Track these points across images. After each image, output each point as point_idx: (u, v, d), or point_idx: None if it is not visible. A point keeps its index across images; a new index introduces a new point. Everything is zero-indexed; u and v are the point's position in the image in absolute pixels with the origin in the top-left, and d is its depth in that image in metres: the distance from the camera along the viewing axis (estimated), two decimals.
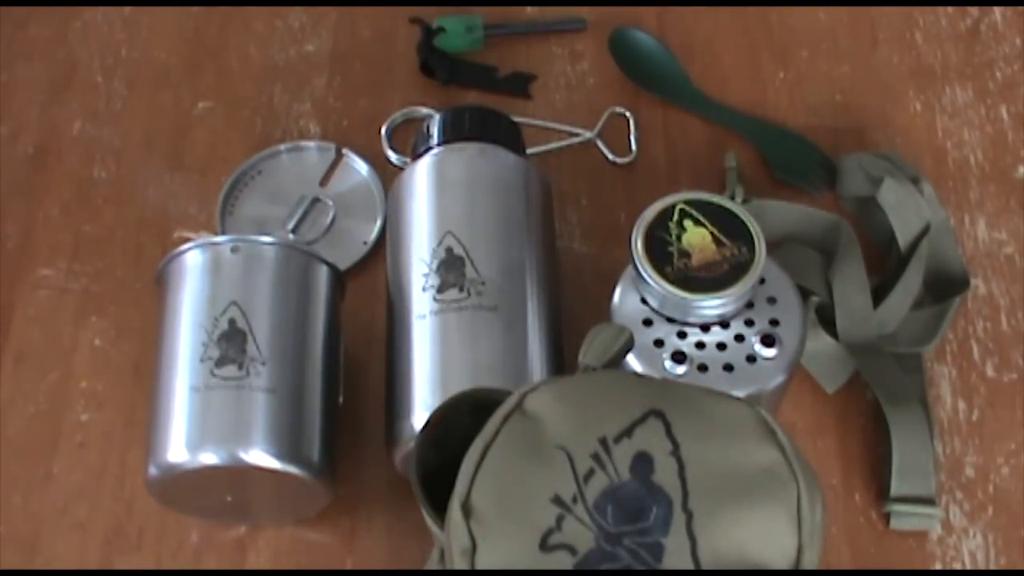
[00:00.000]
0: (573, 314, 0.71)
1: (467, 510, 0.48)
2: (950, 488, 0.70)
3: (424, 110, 0.84)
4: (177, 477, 0.62)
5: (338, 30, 0.89)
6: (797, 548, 0.47)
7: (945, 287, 0.75)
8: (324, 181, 0.82)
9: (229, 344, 0.63)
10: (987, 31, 0.88)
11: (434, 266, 0.66)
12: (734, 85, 0.85)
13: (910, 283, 0.72)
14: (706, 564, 0.46)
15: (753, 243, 0.64)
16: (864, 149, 0.80)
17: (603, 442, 0.48)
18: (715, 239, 0.64)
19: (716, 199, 0.66)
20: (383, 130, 0.83)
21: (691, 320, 0.64)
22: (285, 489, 0.64)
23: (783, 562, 0.46)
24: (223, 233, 0.79)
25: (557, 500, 0.47)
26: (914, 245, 0.73)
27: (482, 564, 0.47)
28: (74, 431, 0.72)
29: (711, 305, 0.63)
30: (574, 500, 0.47)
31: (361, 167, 0.82)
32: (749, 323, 0.64)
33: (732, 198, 0.77)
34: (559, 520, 0.47)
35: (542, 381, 0.51)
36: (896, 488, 0.68)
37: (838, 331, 0.71)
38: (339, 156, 0.82)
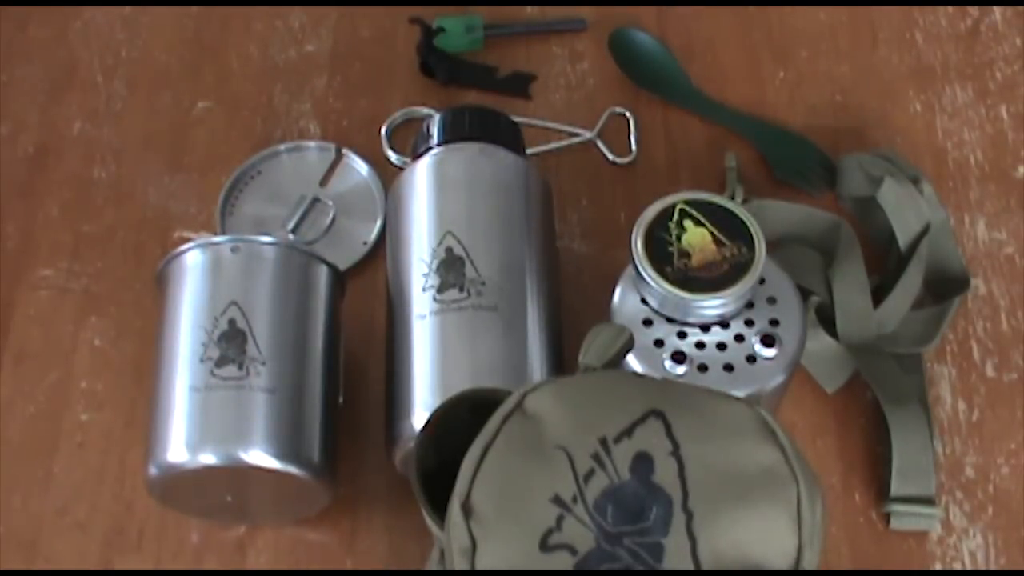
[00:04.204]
0: (573, 314, 0.71)
1: (467, 510, 0.48)
2: (950, 488, 0.70)
3: (424, 110, 0.84)
4: (177, 477, 0.62)
5: (338, 30, 0.89)
6: (797, 548, 0.47)
7: (945, 287, 0.75)
8: (324, 181, 0.82)
9: (229, 344, 0.63)
10: (987, 31, 0.88)
11: (434, 266, 0.66)
12: (734, 85, 0.85)
13: (910, 283, 0.72)
14: (706, 564, 0.46)
15: (753, 243, 0.64)
16: (864, 149, 0.80)
17: (603, 442, 0.48)
18: (715, 239, 0.64)
19: (716, 199, 0.66)
20: (383, 130, 0.83)
21: (691, 320, 0.64)
22: (285, 489, 0.64)
23: (783, 562, 0.46)
24: (223, 233, 0.79)
25: (557, 500, 0.47)
26: (914, 245, 0.73)
27: (482, 564, 0.47)
28: (74, 431, 0.72)
29: (711, 305, 0.63)
30: (574, 500, 0.47)
31: (361, 167, 0.82)
32: (749, 323, 0.64)
33: (732, 198, 0.77)
34: (559, 520, 0.47)
35: (542, 381, 0.51)
36: (896, 488, 0.68)
37: (838, 331, 0.71)
38: (339, 156, 0.82)
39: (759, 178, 0.81)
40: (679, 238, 0.64)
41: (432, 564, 0.55)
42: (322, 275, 0.69)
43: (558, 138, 0.83)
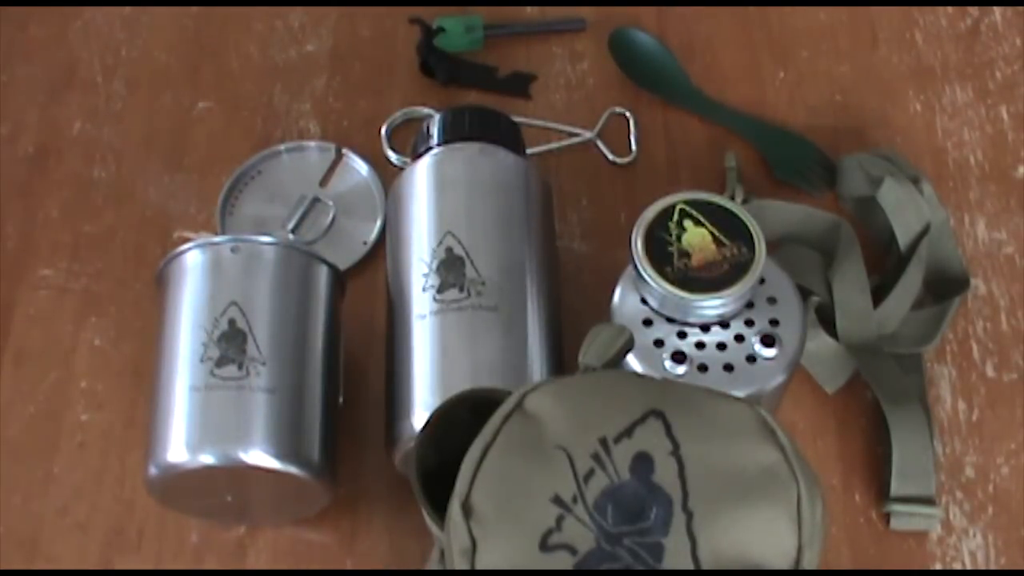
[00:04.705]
0: (573, 314, 0.71)
1: (467, 510, 0.48)
2: (950, 488, 0.70)
3: (424, 110, 0.84)
4: (177, 477, 0.62)
5: (338, 30, 0.89)
6: (797, 548, 0.47)
7: (945, 287, 0.75)
8: (324, 181, 0.82)
9: (229, 344, 0.63)
10: (987, 31, 0.88)
11: (434, 266, 0.66)
12: (734, 85, 0.85)
13: (910, 283, 0.72)
14: (706, 564, 0.46)
15: (753, 243, 0.64)
16: (864, 149, 0.80)
17: (603, 442, 0.48)
18: (715, 239, 0.64)
19: (716, 199, 0.65)
20: (383, 130, 0.83)
21: (691, 320, 0.64)
22: (285, 489, 0.64)
23: (783, 562, 0.46)
24: (223, 233, 0.79)
25: (557, 500, 0.47)
26: (914, 245, 0.73)
27: (482, 564, 0.47)
28: (74, 431, 0.72)
29: (711, 305, 0.63)
30: (574, 500, 0.47)
31: (361, 167, 0.82)
32: (749, 323, 0.64)
33: (732, 198, 0.77)
34: (559, 520, 0.47)
35: (542, 381, 0.51)
36: (896, 488, 0.68)
37: (838, 331, 0.71)
38: (339, 156, 0.82)
39: (759, 178, 0.81)
40: (679, 238, 0.64)
41: (432, 564, 0.55)
42: (322, 275, 0.69)
43: (558, 138, 0.83)
